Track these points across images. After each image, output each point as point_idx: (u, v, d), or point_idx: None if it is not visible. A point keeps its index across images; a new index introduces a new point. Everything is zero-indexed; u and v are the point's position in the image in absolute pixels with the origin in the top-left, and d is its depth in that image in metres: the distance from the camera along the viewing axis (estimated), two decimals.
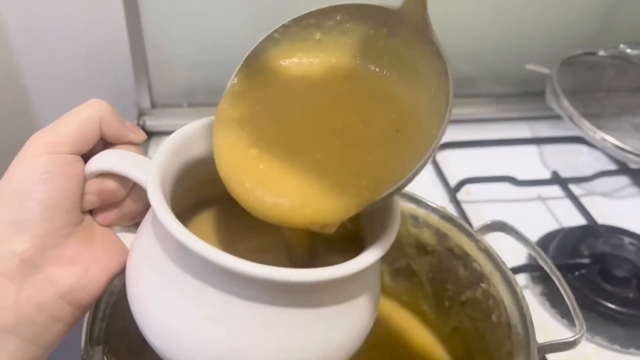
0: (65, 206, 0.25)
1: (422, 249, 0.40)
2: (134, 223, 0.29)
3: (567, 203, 0.60)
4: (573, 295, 0.34)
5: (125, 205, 0.28)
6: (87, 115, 0.26)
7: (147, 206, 0.28)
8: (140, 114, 0.68)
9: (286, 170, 0.24)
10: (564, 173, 0.64)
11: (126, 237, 0.29)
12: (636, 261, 0.51)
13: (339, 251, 0.29)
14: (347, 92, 0.27)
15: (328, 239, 0.29)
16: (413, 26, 0.25)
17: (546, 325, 0.48)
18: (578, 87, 0.67)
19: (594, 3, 0.72)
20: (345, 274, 0.22)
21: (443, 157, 0.65)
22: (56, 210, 0.25)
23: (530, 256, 0.53)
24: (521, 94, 0.75)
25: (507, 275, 0.35)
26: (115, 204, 0.28)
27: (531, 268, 0.51)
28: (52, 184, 0.25)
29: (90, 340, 0.30)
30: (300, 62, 0.28)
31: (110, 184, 0.27)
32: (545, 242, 0.55)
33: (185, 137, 0.28)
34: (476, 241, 0.37)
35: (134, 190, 0.28)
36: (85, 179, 0.27)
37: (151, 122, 0.67)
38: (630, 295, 0.49)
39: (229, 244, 0.29)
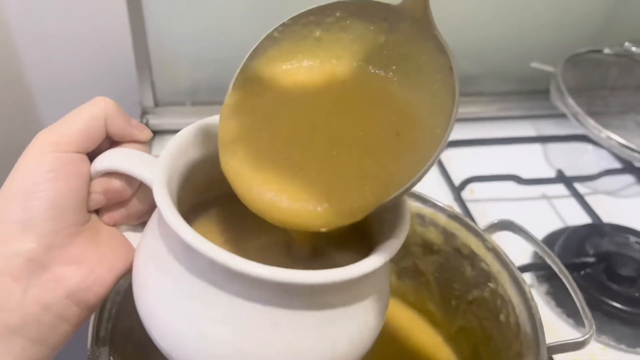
0: (71, 205, 0.25)
1: (428, 248, 0.40)
2: (140, 222, 0.29)
3: (572, 202, 0.60)
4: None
5: (131, 204, 0.28)
6: (92, 114, 0.26)
7: (153, 205, 0.28)
8: (144, 112, 0.67)
9: (290, 179, 0.24)
10: (569, 172, 0.64)
11: (133, 237, 0.29)
12: None
13: (342, 246, 0.29)
14: (345, 99, 0.26)
15: (330, 234, 0.28)
16: (414, 21, 0.25)
17: (552, 325, 0.47)
18: (583, 85, 0.67)
19: (599, 1, 0.72)
20: (355, 276, 0.22)
21: (447, 156, 0.65)
22: (62, 210, 0.25)
23: (535, 255, 0.53)
24: (525, 92, 0.75)
25: (515, 274, 0.34)
26: (121, 203, 0.28)
27: (536, 267, 0.51)
28: (58, 182, 0.25)
29: (97, 340, 0.30)
30: (299, 66, 0.27)
31: (116, 183, 0.27)
32: (550, 241, 0.55)
33: (191, 136, 0.27)
34: (483, 240, 0.37)
35: (141, 189, 0.28)
36: (90, 178, 0.26)
37: (154, 121, 0.66)
38: (636, 294, 0.48)
39: (234, 243, 0.29)
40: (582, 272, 0.50)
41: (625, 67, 0.69)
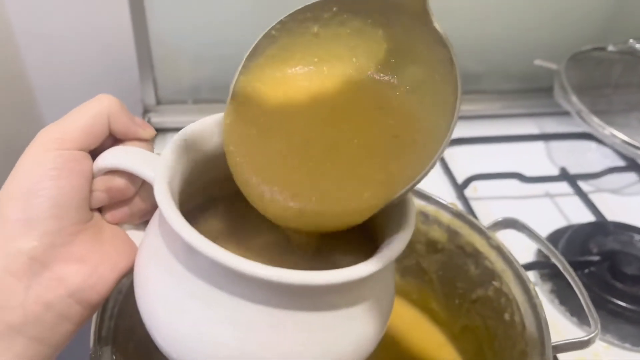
0: (74, 203, 0.25)
1: (432, 246, 0.40)
2: (143, 221, 0.29)
3: (576, 200, 0.60)
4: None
5: (134, 203, 0.28)
6: (95, 111, 0.26)
7: (156, 204, 0.28)
8: (146, 110, 0.67)
9: (292, 180, 0.25)
10: (573, 169, 0.63)
11: (136, 235, 0.28)
12: None
13: (346, 246, 0.29)
14: (343, 107, 0.26)
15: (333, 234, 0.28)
16: (413, 14, 0.24)
17: (556, 323, 0.47)
18: (586, 83, 0.66)
19: None
20: (359, 277, 0.22)
21: (450, 153, 0.65)
22: (65, 208, 0.25)
23: (538, 254, 0.53)
24: (529, 90, 0.75)
25: (519, 272, 0.34)
26: (124, 201, 0.28)
27: (540, 265, 0.51)
28: (60, 180, 0.24)
29: (99, 339, 0.30)
30: (297, 72, 0.27)
31: (119, 182, 0.27)
32: (554, 239, 0.54)
33: (194, 134, 0.27)
34: (488, 238, 0.37)
35: (144, 187, 0.28)
36: (93, 176, 0.26)
37: (156, 119, 0.66)
38: None
39: (237, 243, 0.29)
40: (586, 271, 0.50)
41: (629, 64, 0.68)
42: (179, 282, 0.23)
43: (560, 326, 0.47)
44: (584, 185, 0.62)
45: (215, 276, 0.22)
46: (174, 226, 0.22)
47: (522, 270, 0.34)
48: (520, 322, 0.33)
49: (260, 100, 0.27)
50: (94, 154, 0.26)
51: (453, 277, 0.39)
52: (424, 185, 0.40)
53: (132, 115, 0.28)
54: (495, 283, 0.36)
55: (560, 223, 0.57)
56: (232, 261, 0.21)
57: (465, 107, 0.72)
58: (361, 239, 0.29)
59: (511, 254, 0.36)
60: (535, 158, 0.67)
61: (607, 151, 0.67)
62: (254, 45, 0.26)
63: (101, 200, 0.27)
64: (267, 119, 0.26)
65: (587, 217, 0.57)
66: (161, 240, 0.25)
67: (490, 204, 0.59)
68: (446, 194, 0.59)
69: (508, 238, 0.39)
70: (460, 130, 0.66)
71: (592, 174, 0.63)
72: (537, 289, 0.49)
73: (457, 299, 0.39)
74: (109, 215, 0.28)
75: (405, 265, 0.42)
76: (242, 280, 0.22)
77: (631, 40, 0.67)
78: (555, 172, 0.64)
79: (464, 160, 0.64)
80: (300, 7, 0.26)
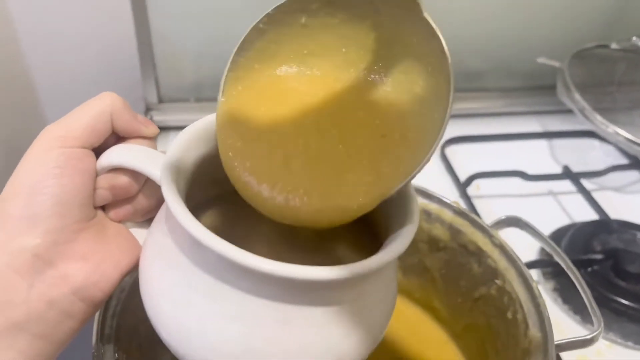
0: (77, 201, 0.25)
1: (434, 244, 0.40)
2: (147, 219, 0.29)
3: (579, 198, 0.60)
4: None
5: (137, 200, 0.28)
6: (98, 109, 0.26)
7: (160, 202, 0.28)
8: (148, 109, 0.67)
9: (288, 186, 0.25)
10: (576, 168, 0.63)
11: (139, 233, 0.28)
12: None
13: (349, 242, 0.29)
14: (329, 111, 0.26)
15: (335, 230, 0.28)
16: (402, 4, 0.24)
17: (559, 322, 0.47)
18: (590, 81, 0.66)
19: None
20: (364, 272, 0.22)
21: (453, 151, 0.65)
22: (68, 206, 0.25)
23: (541, 252, 0.52)
24: (532, 88, 0.75)
25: (522, 271, 0.34)
26: (127, 199, 0.28)
27: (543, 264, 0.51)
28: (63, 178, 0.24)
29: (102, 337, 0.30)
30: (285, 74, 0.27)
31: (123, 179, 0.27)
32: (556, 237, 0.54)
33: (199, 131, 0.27)
34: (490, 237, 0.37)
35: (147, 185, 0.28)
36: (96, 174, 0.26)
37: (158, 117, 0.66)
38: None
39: (243, 239, 0.29)
40: (589, 269, 0.50)
41: (632, 62, 0.68)
42: (184, 277, 0.23)
43: (564, 325, 0.47)
44: (587, 183, 0.61)
45: (221, 271, 0.22)
46: (181, 221, 0.22)
47: (525, 268, 0.34)
48: (523, 320, 0.33)
49: (249, 106, 0.26)
50: (97, 152, 0.26)
51: (456, 275, 0.39)
52: (426, 184, 0.40)
53: (134, 112, 0.28)
54: (498, 281, 0.36)
55: (563, 221, 0.57)
56: (238, 256, 0.21)
57: (468, 105, 0.72)
58: (364, 234, 0.29)
59: (514, 253, 0.36)
60: (538, 156, 0.67)
61: (610, 149, 0.67)
62: (241, 39, 0.26)
63: (105, 198, 0.27)
64: (257, 124, 0.26)
65: (590, 215, 0.57)
66: (167, 236, 0.25)
67: (492, 202, 0.59)
68: (449, 192, 0.59)
69: (511, 236, 0.39)
70: (463, 128, 0.67)
71: (595, 172, 0.62)
72: (540, 288, 0.49)
73: (459, 298, 0.39)
74: (113, 213, 0.28)
75: (408, 263, 0.42)
76: (248, 275, 0.22)
77: (634, 38, 0.66)
78: (558, 170, 0.64)
79: (466, 159, 0.64)
80: None
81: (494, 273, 0.36)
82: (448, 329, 0.41)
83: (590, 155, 0.67)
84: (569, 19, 0.72)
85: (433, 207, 0.39)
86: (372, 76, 0.26)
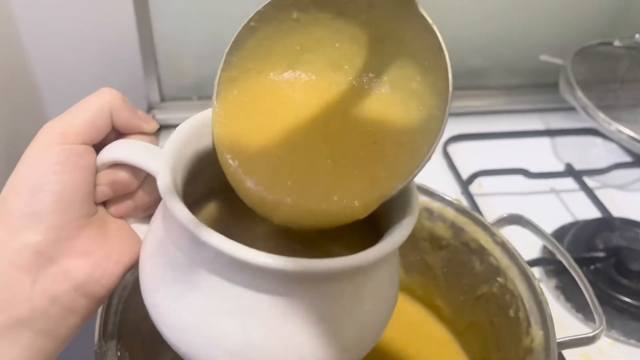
0: (78, 198, 0.25)
1: (436, 243, 0.40)
2: (148, 214, 0.29)
3: (582, 196, 0.59)
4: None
5: (138, 196, 0.28)
6: (98, 105, 0.26)
7: (160, 197, 0.28)
8: (150, 107, 0.68)
9: (284, 190, 0.25)
10: (578, 165, 0.63)
11: (140, 229, 0.28)
12: None
13: (348, 235, 0.29)
14: (320, 121, 0.26)
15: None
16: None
17: (561, 320, 0.47)
18: (592, 78, 0.66)
19: None
20: (364, 263, 0.22)
21: (455, 149, 0.65)
22: (69, 202, 0.25)
23: (543, 250, 0.52)
24: (534, 86, 0.75)
25: (524, 269, 0.34)
26: (128, 195, 0.28)
27: (545, 262, 0.51)
28: (64, 175, 0.24)
29: (104, 334, 0.30)
30: (274, 80, 0.27)
31: (122, 175, 0.27)
32: (559, 235, 0.54)
33: (196, 126, 0.27)
34: (492, 235, 0.37)
35: (147, 181, 0.28)
36: (97, 170, 0.26)
37: (161, 116, 0.66)
38: None
39: (242, 233, 0.29)
40: (592, 267, 0.50)
41: (635, 59, 0.68)
42: (183, 273, 0.23)
43: (566, 323, 0.47)
44: (589, 181, 0.61)
45: (219, 266, 0.22)
46: (178, 218, 0.22)
47: (527, 266, 0.34)
48: (525, 318, 0.33)
49: (244, 114, 0.26)
50: (97, 148, 0.26)
51: (458, 273, 0.39)
52: (428, 182, 0.40)
53: (134, 108, 0.28)
54: (500, 279, 0.35)
55: (566, 219, 0.57)
56: (235, 250, 0.21)
57: (470, 103, 0.72)
58: (365, 229, 0.29)
59: (516, 250, 0.36)
60: (540, 154, 0.67)
61: (613, 147, 0.67)
62: (233, 38, 0.26)
63: (105, 194, 0.27)
64: (253, 132, 0.26)
65: (593, 213, 0.57)
66: (165, 232, 0.25)
67: (495, 200, 0.59)
68: (451, 190, 0.59)
69: (512, 234, 0.39)
70: (465, 125, 0.67)
71: (598, 169, 0.62)
72: (542, 286, 0.49)
73: (462, 296, 0.39)
74: (113, 208, 0.28)
75: (410, 261, 0.42)
76: (245, 269, 0.22)
77: (637, 35, 0.66)
78: (560, 168, 0.64)
79: (468, 156, 0.63)
80: None
81: (496, 271, 0.36)
82: (450, 327, 0.41)
83: (592, 153, 0.67)
84: (571, 16, 0.71)
85: (435, 205, 0.39)
86: (367, 74, 0.26)
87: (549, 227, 0.55)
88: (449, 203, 0.39)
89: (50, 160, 0.24)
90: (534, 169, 0.60)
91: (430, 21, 0.23)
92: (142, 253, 0.26)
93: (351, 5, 0.25)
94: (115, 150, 0.26)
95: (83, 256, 0.25)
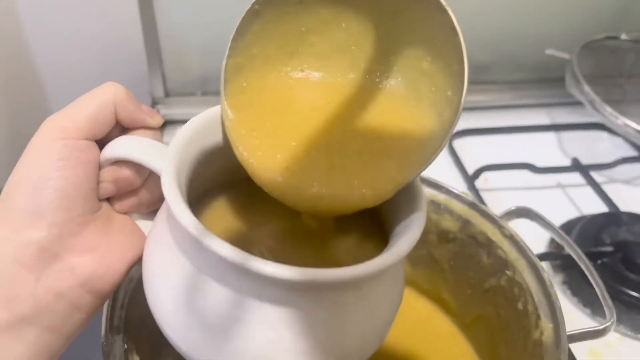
0: (81, 194, 0.25)
1: (443, 236, 0.39)
2: (152, 210, 0.29)
3: (588, 190, 0.59)
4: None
5: (142, 193, 0.28)
6: (101, 99, 0.26)
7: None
8: (154, 103, 0.67)
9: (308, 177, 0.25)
10: (585, 160, 0.62)
11: (144, 225, 0.28)
12: None
13: (356, 232, 0.29)
14: (325, 122, 0.26)
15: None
16: None
17: (569, 314, 0.47)
18: (599, 73, 0.65)
19: None
20: (367, 274, 0.21)
21: (461, 144, 0.64)
22: (72, 198, 0.24)
23: (550, 244, 0.52)
24: (540, 80, 0.74)
25: (533, 262, 0.34)
26: (132, 191, 0.28)
27: (552, 256, 0.50)
28: (66, 171, 0.24)
29: (111, 328, 0.30)
30: (284, 74, 0.26)
31: (126, 172, 0.26)
32: (566, 230, 0.54)
33: (202, 124, 0.27)
34: (500, 227, 0.36)
35: (151, 177, 0.28)
36: (100, 166, 0.26)
37: (165, 111, 0.66)
38: None
39: (246, 230, 0.29)
40: (599, 262, 0.50)
41: None
42: (184, 275, 0.23)
43: (573, 317, 0.47)
44: (596, 175, 0.61)
45: (221, 271, 0.22)
46: (181, 220, 0.21)
47: (536, 259, 0.34)
48: (534, 311, 0.32)
49: (254, 104, 0.26)
50: (101, 143, 0.26)
51: (465, 266, 0.39)
52: (435, 176, 0.40)
53: (139, 103, 0.27)
54: (508, 272, 0.35)
55: (573, 214, 0.57)
56: (237, 257, 0.20)
57: (476, 98, 0.72)
58: (372, 227, 0.29)
59: (524, 243, 0.35)
60: (546, 148, 0.66)
61: (620, 141, 0.66)
62: (238, 23, 0.25)
63: (109, 191, 0.27)
64: (265, 121, 0.26)
65: (600, 207, 0.57)
66: (168, 232, 0.24)
67: (501, 195, 0.58)
68: (457, 185, 0.58)
69: (519, 229, 0.39)
70: (471, 120, 0.67)
71: (605, 164, 0.62)
72: None
73: (469, 289, 0.39)
74: (117, 204, 0.27)
75: (417, 255, 0.41)
76: (250, 277, 0.21)
77: None
78: (567, 162, 0.63)
79: (474, 151, 0.63)
80: None
81: (504, 264, 0.36)
82: (457, 320, 0.41)
83: (599, 147, 0.67)
84: (577, 10, 0.71)
85: (442, 198, 0.39)
86: (376, 54, 0.25)
87: (556, 222, 0.54)
88: (456, 196, 0.39)
89: (52, 155, 0.24)
90: (540, 163, 0.60)
91: (443, 1, 0.22)
92: (145, 252, 0.26)
93: None
94: (119, 147, 0.26)
95: (87, 252, 0.25)
